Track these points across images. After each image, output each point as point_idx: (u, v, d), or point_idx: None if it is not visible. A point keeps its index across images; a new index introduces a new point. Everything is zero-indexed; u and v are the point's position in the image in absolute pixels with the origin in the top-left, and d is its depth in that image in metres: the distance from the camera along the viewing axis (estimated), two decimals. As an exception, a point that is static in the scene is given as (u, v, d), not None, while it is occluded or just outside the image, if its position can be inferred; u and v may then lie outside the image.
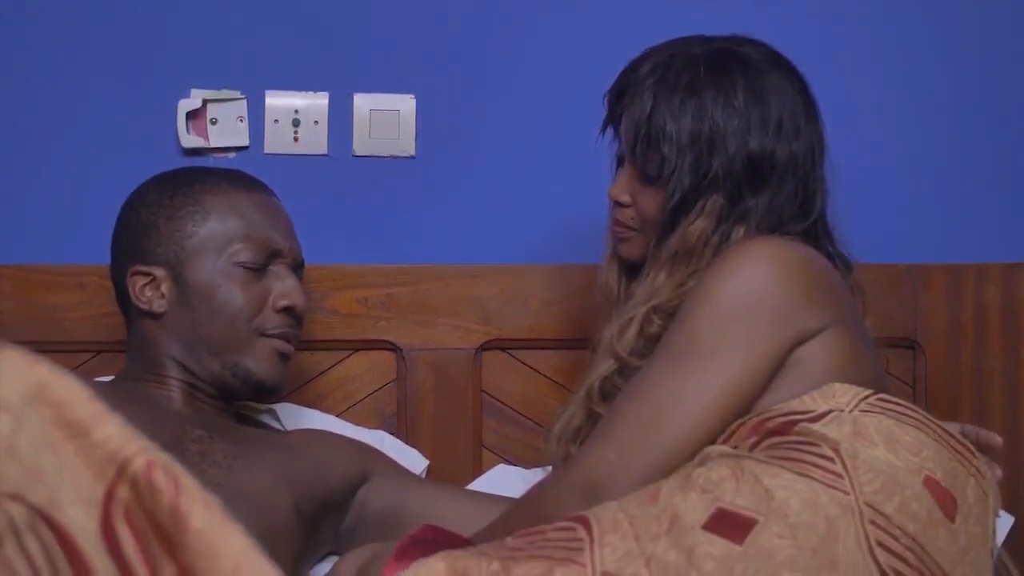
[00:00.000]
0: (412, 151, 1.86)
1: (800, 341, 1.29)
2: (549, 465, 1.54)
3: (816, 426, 1.22)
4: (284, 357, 1.51)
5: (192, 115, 1.81)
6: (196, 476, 1.27)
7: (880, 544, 1.14)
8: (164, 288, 1.48)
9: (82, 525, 0.85)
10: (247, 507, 1.34)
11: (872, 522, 1.15)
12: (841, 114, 1.91)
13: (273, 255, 1.51)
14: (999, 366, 1.86)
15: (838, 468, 1.18)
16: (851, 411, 1.25)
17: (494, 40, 1.88)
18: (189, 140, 1.80)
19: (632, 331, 1.39)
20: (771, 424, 1.25)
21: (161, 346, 1.49)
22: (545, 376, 1.79)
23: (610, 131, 1.52)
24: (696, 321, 1.30)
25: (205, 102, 1.81)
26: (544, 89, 1.88)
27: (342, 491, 1.52)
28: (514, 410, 1.79)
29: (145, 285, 1.49)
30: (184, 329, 1.48)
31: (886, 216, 1.92)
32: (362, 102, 1.84)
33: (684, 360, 1.29)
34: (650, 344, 1.37)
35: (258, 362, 1.49)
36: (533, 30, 1.89)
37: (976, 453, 1.29)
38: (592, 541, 1.13)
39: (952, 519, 1.20)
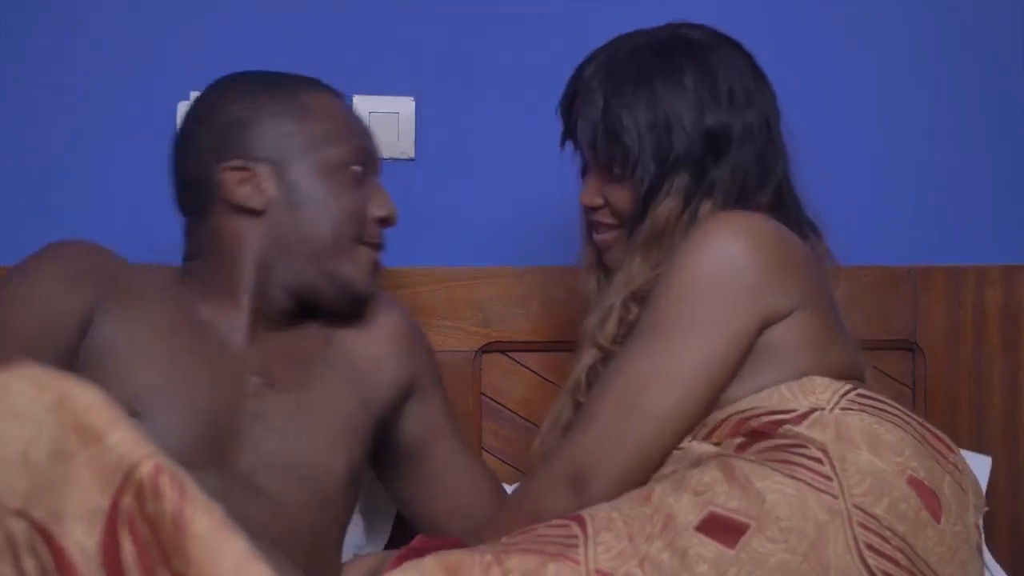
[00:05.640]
0: (412, 153, 1.86)
1: (770, 321, 1.29)
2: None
3: (800, 428, 1.22)
4: (376, 268, 1.48)
5: (191, 117, 1.81)
6: (250, 447, 1.30)
7: (870, 547, 1.15)
8: (265, 184, 1.41)
9: (80, 541, 0.86)
10: (297, 479, 1.35)
11: (862, 525, 1.15)
12: (841, 116, 1.92)
13: (369, 161, 1.48)
14: (998, 368, 1.86)
15: (827, 470, 1.19)
16: (832, 409, 1.24)
17: (494, 43, 1.88)
18: (188, 142, 1.80)
19: (612, 320, 1.39)
20: (755, 424, 1.25)
21: (249, 246, 1.41)
22: (545, 378, 1.79)
23: (570, 144, 1.51)
24: (664, 302, 1.30)
25: (204, 104, 1.81)
26: (544, 92, 1.87)
27: (395, 405, 1.52)
28: (514, 412, 1.79)
29: (242, 181, 1.41)
30: (284, 229, 1.41)
31: (886, 218, 1.92)
32: (362, 104, 1.83)
33: (655, 342, 1.29)
34: (631, 331, 1.36)
35: (357, 269, 1.44)
36: (533, 32, 1.89)
37: (954, 448, 1.29)
38: (586, 538, 1.14)
39: (938, 519, 1.20)
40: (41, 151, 1.80)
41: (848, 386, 1.27)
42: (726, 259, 1.29)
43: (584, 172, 1.51)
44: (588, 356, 1.41)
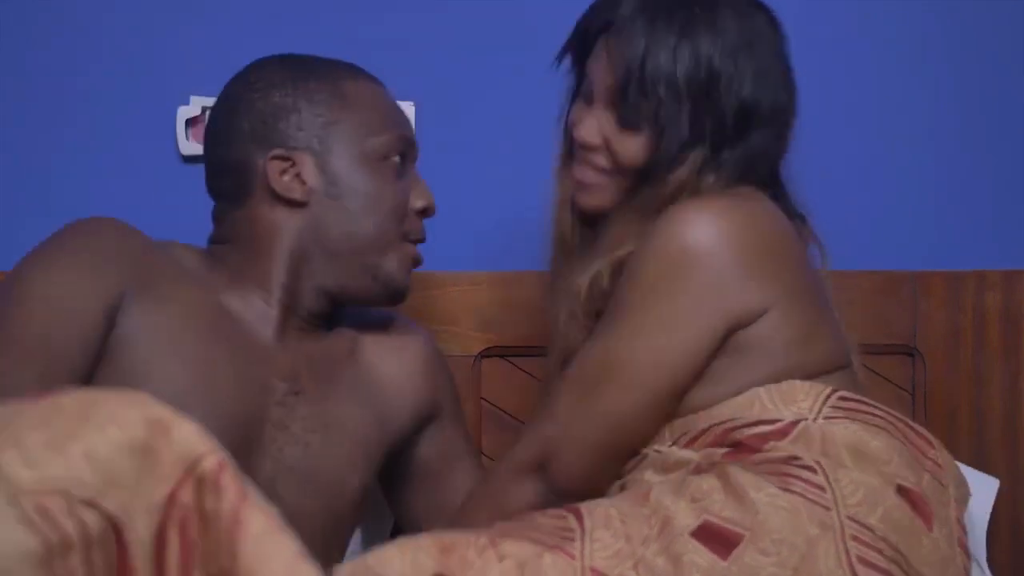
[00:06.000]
0: (411, 158, 1.86)
1: (741, 320, 1.26)
2: None
3: (785, 443, 1.21)
4: (417, 263, 1.46)
5: (191, 122, 1.81)
6: (272, 455, 1.30)
7: (862, 560, 1.14)
8: (306, 175, 1.37)
9: (141, 535, 0.86)
10: (314, 491, 1.34)
11: (855, 538, 1.14)
12: (841, 121, 1.92)
13: (409, 150, 1.44)
14: (998, 372, 1.86)
15: (820, 480, 1.18)
16: (815, 418, 1.23)
17: (495, 47, 1.88)
18: (188, 147, 1.80)
19: (596, 289, 1.35)
20: (739, 436, 1.23)
21: (286, 238, 1.37)
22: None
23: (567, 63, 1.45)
24: (632, 286, 1.28)
25: (204, 109, 1.81)
26: (545, 97, 1.88)
27: (413, 431, 1.50)
28: (514, 417, 1.79)
29: (284, 172, 1.37)
30: (325, 222, 1.38)
31: (886, 223, 1.92)
32: (361, 109, 1.83)
33: (618, 331, 1.27)
34: (605, 301, 1.34)
35: (399, 266, 1.41)
36: (534, 37, 1.89)
37: (935, 443, 1.28)
38: (583, 533, 1.14)
39: (930, 527, 1.19)
40: (41, 155, 1.81)
41: (829, 389, 1.26)
42: (695, 251, 1.25)
43: (575, 95, 1.45)
44: (573, 336, 1.37)
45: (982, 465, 1.78)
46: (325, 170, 1.38)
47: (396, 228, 1.41)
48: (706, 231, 1.26)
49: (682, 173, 1.32)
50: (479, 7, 1.89)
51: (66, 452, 0.84)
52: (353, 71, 1.45)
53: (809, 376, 1.27)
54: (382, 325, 1.52)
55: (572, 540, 1.13)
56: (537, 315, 1.80)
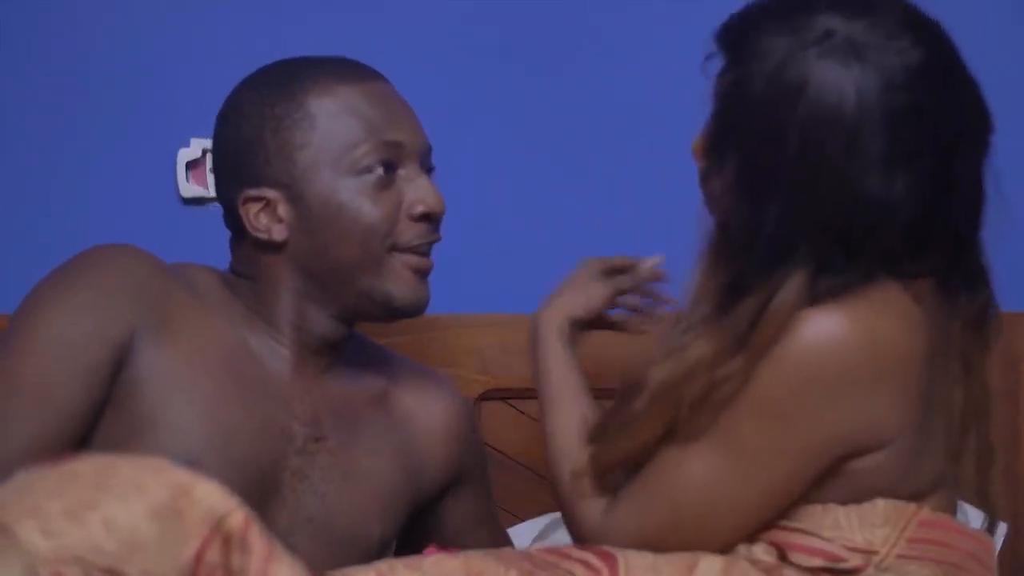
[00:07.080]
0: (411, 200, 1.86)
1: (856, 452, 1.15)
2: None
3: None
4: (424, 274, 1.37)
5: (192, 164, 1.81)
6: (290, 505, 1.28)
7: None
8: (281, 211, 1.32)
9: None
10: (328, 542, 1.30)
11: None
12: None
13: (399, 153, 1.34)
14: (999, 415, 1.85)
15: None
16: (885, 558, 1.14)
17: (502, 81, 1.89)
18: (189, 189, 1.80)
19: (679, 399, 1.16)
20: (798, 560, 1.15)
21: (284, 281, 1.34)
22: (546, 426, 1.79)
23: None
24: (738, 407, 1.12)
25: (205, 151, 1.81)
26: (545, 138, 1.89)
27: (441, 491, 1.48)
28: (515, 460, 1.79)
29: (260, 211, 1.32)
30: (309, 257, 1.33)
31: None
32: (362, 150, 1.83)
33: (725, 458, 1.14)
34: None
35: (396, 284, 1.34)
36: (537, 59, 1.89)
37: (983, 539, 1.26)
38: None
39: None
40: (40, 195, 1.81)
41: (912, 511, 1.16)
42: (822, 372, 1.10)
43: None
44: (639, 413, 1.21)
45: (982, 506, 1.77)
46: (299, 202, 1.33)
47: (381, 244, 1.33)
48: (834, 348, 1.09)
49: (784, 299, 1.07)
50: (486, 41, 1.89)
51: (84, 521, 0.86)
52: (325, 80, 1.35)
53: (900, 497, 1.17)
54: (419, 379, 1.49)
55: None
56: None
